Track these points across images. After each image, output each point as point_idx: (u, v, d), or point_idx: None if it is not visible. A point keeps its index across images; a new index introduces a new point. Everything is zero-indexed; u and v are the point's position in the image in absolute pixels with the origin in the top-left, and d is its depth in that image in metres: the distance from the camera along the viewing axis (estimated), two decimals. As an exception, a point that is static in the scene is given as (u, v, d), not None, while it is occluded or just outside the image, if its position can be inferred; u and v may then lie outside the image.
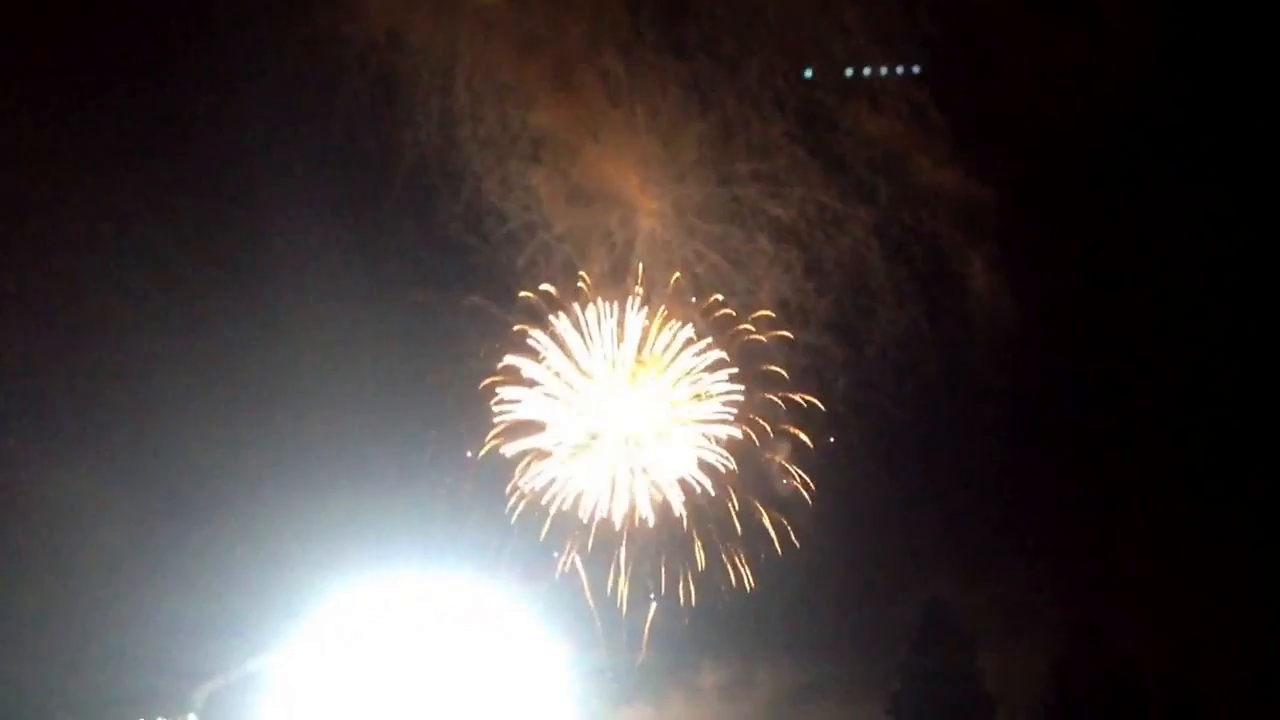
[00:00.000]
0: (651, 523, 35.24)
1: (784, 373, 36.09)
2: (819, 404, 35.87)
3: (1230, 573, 33.10)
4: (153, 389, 34.77)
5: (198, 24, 34.21)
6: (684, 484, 35.57)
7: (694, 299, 36.07)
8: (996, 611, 33.88)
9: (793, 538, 34.70)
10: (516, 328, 35.13)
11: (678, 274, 35.63)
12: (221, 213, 34.66)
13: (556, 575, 34.19)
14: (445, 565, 33.93)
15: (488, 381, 34.93)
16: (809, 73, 35.72)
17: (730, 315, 36.17)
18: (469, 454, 34.78)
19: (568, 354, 35.46)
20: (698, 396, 36.19)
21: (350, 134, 33.89)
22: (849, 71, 35.81)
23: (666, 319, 36.03)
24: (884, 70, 35.74)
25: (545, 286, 35.25)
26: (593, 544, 35.01)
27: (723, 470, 35.44)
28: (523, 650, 32.97)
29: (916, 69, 35.71)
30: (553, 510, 34.50)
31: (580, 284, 35.40)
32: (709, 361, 36.01)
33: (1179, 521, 33.80)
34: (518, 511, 34.49)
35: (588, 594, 34.63)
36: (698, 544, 35.18)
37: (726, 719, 35.88)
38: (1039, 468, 35.29)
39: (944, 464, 35.59)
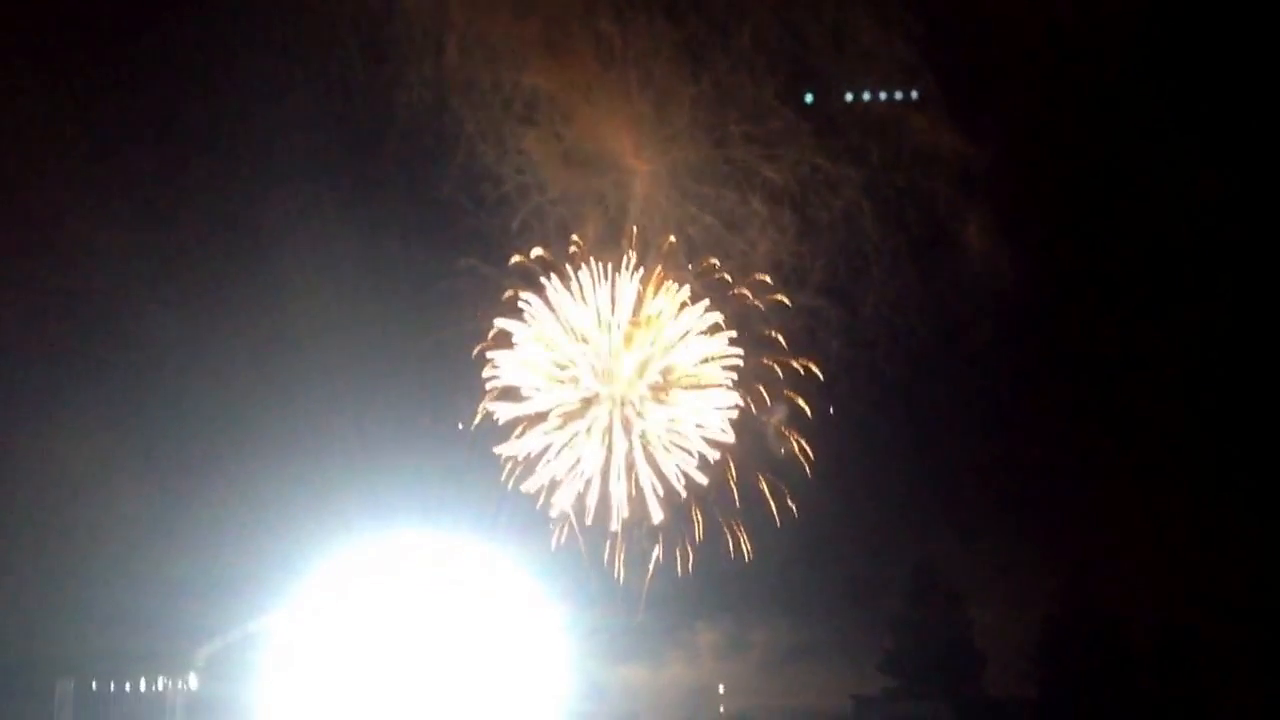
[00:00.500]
0: (648, 489, 35.40)
1: (780, 337, 36.19)
2: (816, 370, 35.99)
3: (1219, 529, 33.13)
4: (153, 351, 35.08)
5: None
6: (680, 449, 35.73)
7: (688, 263, 36.20)
8: (987, 568, 33.99)
9: (789, 501, 34.80)
10: (508, 294, 35.25)
11: (672, 237, 35.72)
12: (215, 177, 34.80)
13: (552, 543, 34.42)
14: (443, 527, 34.11)
15: (481, 347, 35.05)
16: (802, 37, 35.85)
17: (725, 279, 36.26)
18: (460, 425, 34.99)
19: (561, 318, 35.53)
20: (693, 361, 36.27)
21: (343, 96, 33.91)
22: (843, 33, 35.92)
23: (661, 282, 36.08)
24: (879, 32, 35.80)
25: (538, 251, 35.38)
26: (589, 509, 35.22)
27: (720, 434, 35.60)
28: (519, 611, 33.08)
29: (912, 29, 35.78)
30: (547, 476, 34.66)
31: (574, 247, 35.52)
32: (705, 325, 36.07)
33: (1169, 479, 33.81)
34: (513, 476, 34.67)
35: (584, 556, 34.87)
36: (695, 510, 35.31)
37: (723, 678, 36.11)
38: (1031, 428, 35.35)
39: (937, 425, 35.64)
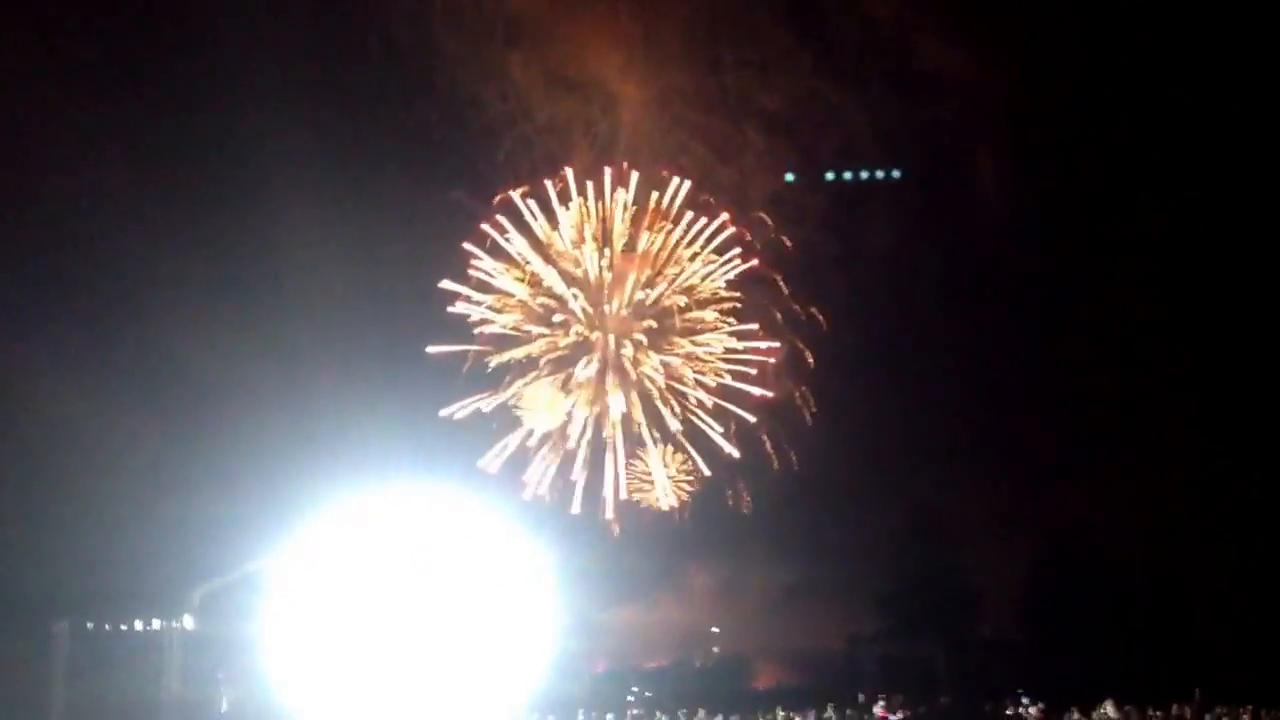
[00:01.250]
0: (643, 432, 34.96)
1: (779, 278, 35.29)
2: (818, 315, 35.15)
3: (1214, 471, 32.58)
4: (144, 291, 34.62)
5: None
6: (675, 391, 35.19)
7: (680, 196, 35.15)
8: (982, 512, 33.67)
9: (784, 444, 34.37)
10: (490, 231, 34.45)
11: (665, 172, 34.68)
12: (191, 113, 33.93)
13: (541, 487, 34.23)
14: (436, 474, 33.93)
15: (465, 293, 34.39)
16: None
17: (720, 211, 35.26)
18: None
19: (550, 255, 34.77)
20: (688, 303, 35.52)
21: (319, 22, 32.84)
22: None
23: (655, 220, 35.12)
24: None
25: (518, 192, 34.38)
26: (583, 451, 34.88)
27: (715, 379, 35.05)
28: (511, 554, 32.90)
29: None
30: (539, 420, 34.30)
31: (560, 183, 34.53)
32: (699, 263, 35.23)
33: (1165, 422, 33.19)
34: (508, 413, 34.33)
35: (577, 500, 34.70)
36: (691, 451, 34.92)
37: (717, 620, 36.13)
38: (1029, 373, 34.66)
39: (935, 366, 34.93)
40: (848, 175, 35.84)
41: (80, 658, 32.45)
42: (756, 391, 35.13)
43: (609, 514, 34.63)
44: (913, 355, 35.30)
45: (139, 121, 33.99)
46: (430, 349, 34.80)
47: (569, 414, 35.00)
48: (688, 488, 34.77)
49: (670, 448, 34.97)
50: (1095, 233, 34.45)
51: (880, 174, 35.63)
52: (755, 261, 35.35)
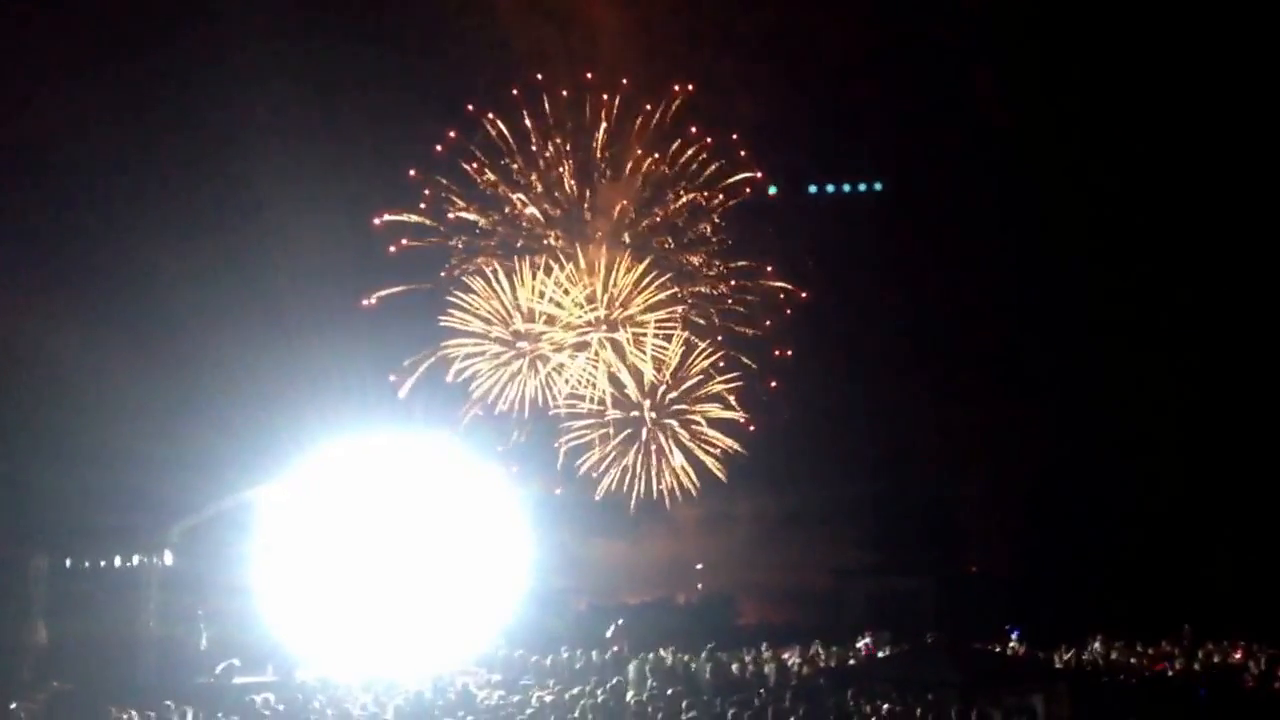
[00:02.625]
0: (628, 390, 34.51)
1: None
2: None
3: (1206, 407, 32.10)
4: (121, 223, 33.93)
5: None
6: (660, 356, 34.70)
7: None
8: (972, 444, 33.18)
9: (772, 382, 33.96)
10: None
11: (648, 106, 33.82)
12: (168, 49, 32.90)
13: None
14: (415, 415, 33.63)
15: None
16: None
17: (704, 144, 34.58)
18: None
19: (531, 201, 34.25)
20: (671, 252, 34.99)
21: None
22: None
23: (639, 162, 34.42)
24: None
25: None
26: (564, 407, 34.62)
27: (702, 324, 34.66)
28: (491, 489, 32.53)
29: None
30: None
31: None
32: (683, 204, 34.66)
33: (1157, 358, 32.65)
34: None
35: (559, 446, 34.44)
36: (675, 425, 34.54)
37: (705, 552, 35.77)
38: (1020, 309, 34.04)
39: (926, 302, 34.34)
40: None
41: (58, 594, 32.26)
42: (749, 331, 34.80)
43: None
44: (908, 292, 34.68)
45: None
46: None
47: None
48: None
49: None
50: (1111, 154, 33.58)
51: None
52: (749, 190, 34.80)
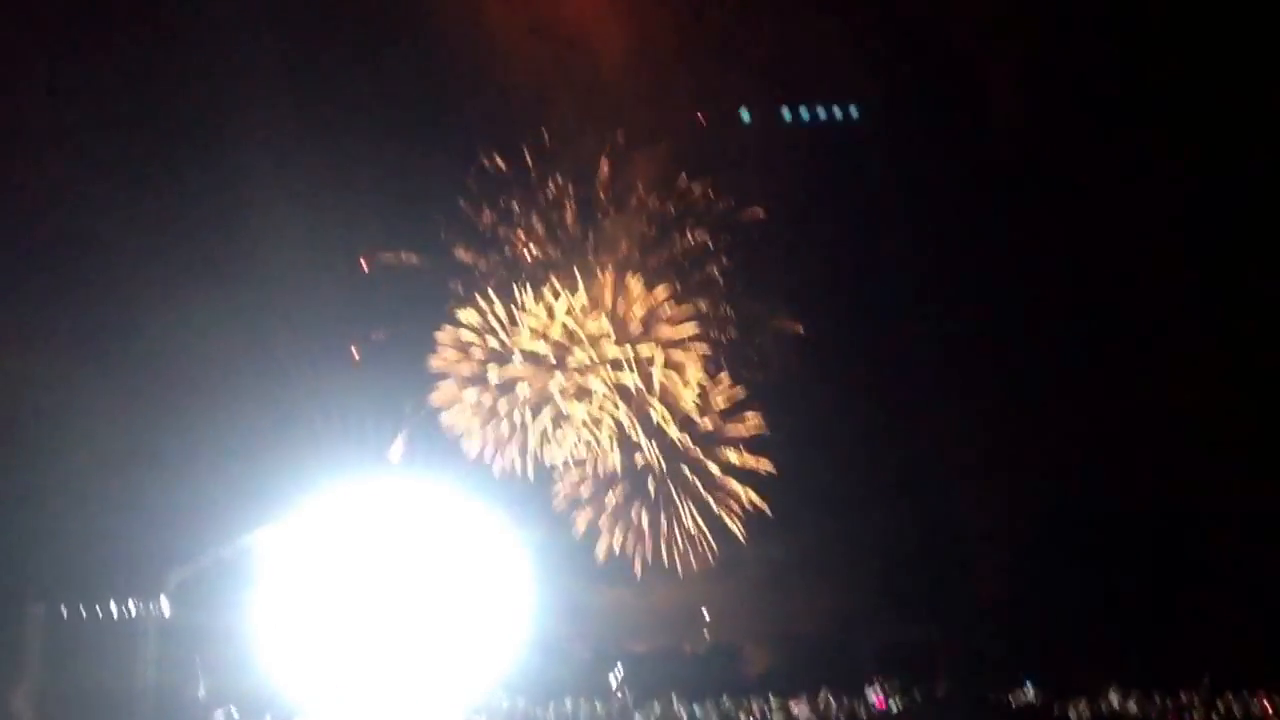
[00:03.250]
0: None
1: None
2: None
3: (1221, 449, 31.28)
4: (120, 270, 33.62)
5: None
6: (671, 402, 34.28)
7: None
8: (981, 488, 32.47)
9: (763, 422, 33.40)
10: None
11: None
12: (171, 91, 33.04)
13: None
14: (418, 462, 33.31)
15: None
16: None
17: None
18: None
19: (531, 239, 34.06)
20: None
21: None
22: None
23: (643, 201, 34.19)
24: None
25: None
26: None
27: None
28: (494, 534, 32.15)
29: None
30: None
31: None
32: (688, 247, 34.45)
33: (1175, 390, 31.85)
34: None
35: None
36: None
37: (712, 599, 35.05)
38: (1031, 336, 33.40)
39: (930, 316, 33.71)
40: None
41: (55, 643, 32.05)
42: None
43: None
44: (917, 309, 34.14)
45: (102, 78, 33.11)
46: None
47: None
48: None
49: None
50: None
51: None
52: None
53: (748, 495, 34.33)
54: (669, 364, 34.29)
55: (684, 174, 34.72)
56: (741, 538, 34.14)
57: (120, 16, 33.07)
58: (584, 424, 34.16)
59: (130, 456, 32.92)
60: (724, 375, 34.44)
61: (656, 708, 25.92)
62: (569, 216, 34.85)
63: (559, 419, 34.15)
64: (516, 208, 34.63)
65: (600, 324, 34.13)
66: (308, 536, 31.96)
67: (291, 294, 33.33)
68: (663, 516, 34.67)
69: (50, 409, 32.96)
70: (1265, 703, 28.14)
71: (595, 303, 34.14)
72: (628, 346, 34.19)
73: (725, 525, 34.31)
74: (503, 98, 33.91)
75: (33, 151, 32.72)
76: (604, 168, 34.78)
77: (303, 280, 33.24)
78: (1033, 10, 32.84)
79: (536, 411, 34.12)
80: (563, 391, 34.02)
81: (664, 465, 34.52)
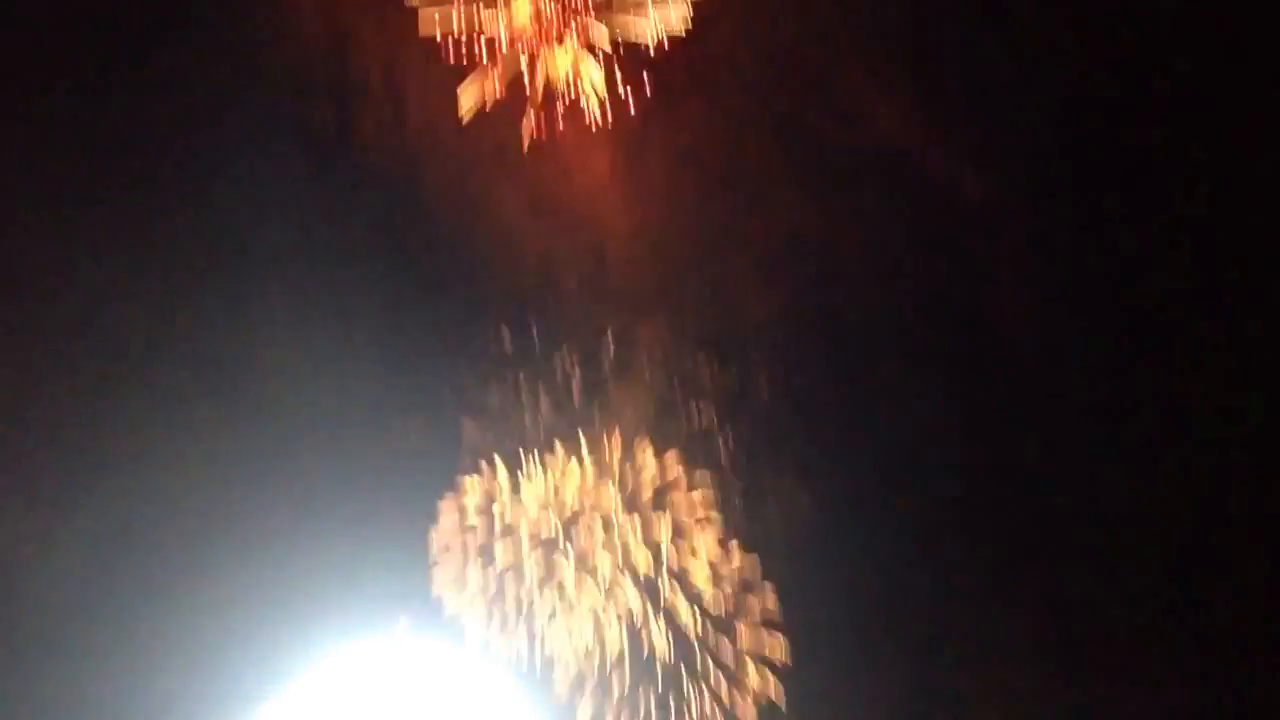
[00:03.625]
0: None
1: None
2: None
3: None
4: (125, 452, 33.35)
5: None
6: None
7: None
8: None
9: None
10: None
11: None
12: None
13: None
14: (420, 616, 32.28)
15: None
16: None
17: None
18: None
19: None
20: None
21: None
22: None
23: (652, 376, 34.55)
24: None
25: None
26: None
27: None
28: (509, 698, 31.16)
29: None
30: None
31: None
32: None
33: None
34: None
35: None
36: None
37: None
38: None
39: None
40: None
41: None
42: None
43: None
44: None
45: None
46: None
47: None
48: None
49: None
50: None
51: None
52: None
53: (764, 684, 33.05)
54: (679, 535, 33.64)
55: (692, 349, 35.07)
56: None
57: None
58: (591, 610, 33.29)
59: (137, 635, 31.48)
60: (735, 546, 33.71)
61: None
62: (575, 389, 34.98)
63: (565, 605, 33.30)
64: (523, 381, 34.85)
65: (609, 493, 33.67)
66: (318, 704, 30.96)
67: (296, 468, 32.93)
68: (672, 705, 33.31)
69: (49, 580, 31.91)
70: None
71: (603, 471, 33.80)
72: (635, 517, 33.62)
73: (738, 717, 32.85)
74: (510, 274, 34.63)
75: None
76: (610, 342, 35.20)
77: (303, 452, 32.92)
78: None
79: (541, 594, 33.32)
80: (567, 580, 33.32)
81: (673, 649, 33.39)
